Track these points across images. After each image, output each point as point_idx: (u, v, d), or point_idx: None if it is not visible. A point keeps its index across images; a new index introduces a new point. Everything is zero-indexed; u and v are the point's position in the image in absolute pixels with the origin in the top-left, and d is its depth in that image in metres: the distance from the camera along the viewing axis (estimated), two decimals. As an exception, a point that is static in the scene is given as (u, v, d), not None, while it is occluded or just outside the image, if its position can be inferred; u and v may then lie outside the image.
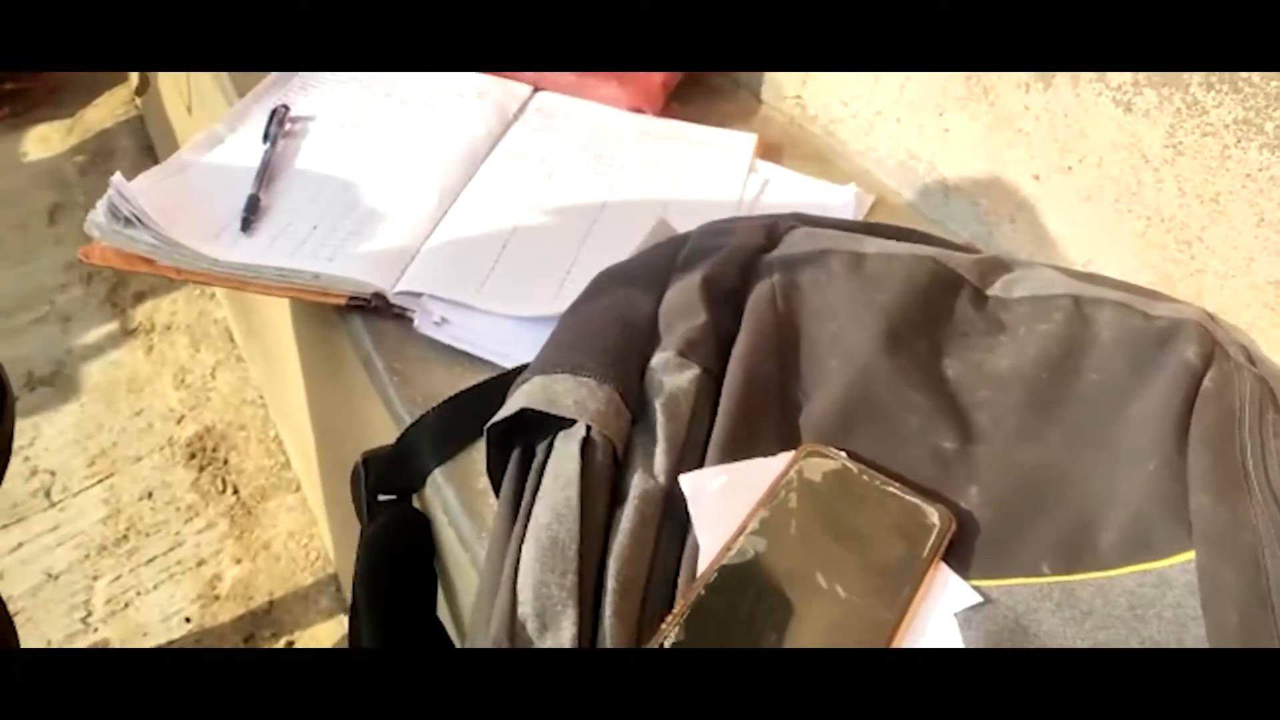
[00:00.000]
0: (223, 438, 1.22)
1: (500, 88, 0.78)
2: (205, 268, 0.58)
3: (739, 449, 0.44)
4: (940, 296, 0.52)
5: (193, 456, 1.20)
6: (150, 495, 1.15)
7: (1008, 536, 0.42)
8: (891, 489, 0.43)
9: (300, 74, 0.78)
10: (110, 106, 1.93)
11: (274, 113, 0.71)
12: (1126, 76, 0.56)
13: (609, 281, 0.51)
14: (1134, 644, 0.38)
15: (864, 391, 0.47)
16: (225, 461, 1.20)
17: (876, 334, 0.49)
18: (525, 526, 0.40)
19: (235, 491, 1.16)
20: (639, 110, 0.78)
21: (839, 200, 0.70)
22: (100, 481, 1.17)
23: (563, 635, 0.36)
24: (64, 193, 1.72)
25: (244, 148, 0.69)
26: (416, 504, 0.51)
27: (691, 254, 0.52)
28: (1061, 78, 0.59)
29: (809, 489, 0.43)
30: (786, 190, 0.72)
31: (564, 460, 0.41)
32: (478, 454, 0.49)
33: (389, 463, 0.49)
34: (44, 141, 1.88)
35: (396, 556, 0.49)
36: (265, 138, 0.69)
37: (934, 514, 0.42)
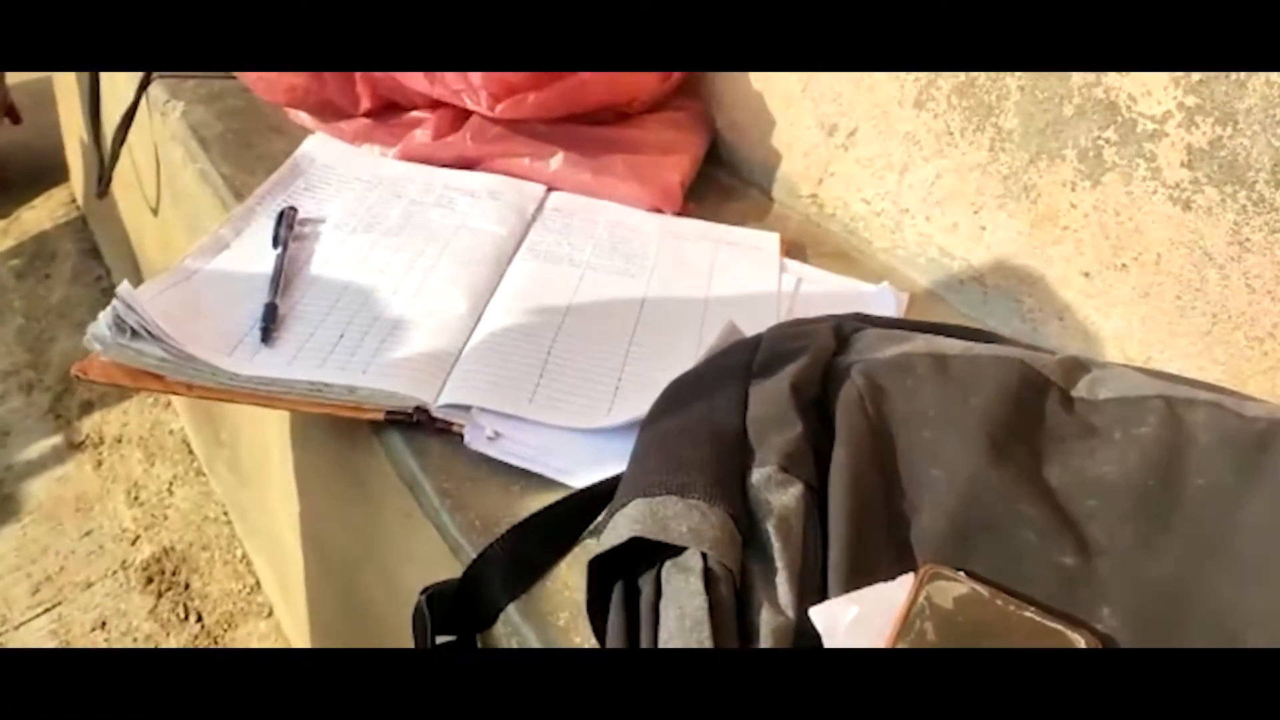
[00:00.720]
0: (183, 559, 1.12)
1: (513, 188, 0.75)
2: (225, 383, 0.53)
3: (857, 572, 0.40)
4: (1032, 400, 0.50)
5: (150, 581, 1.10)
6: (104, 625, 1.04)
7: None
8: (1028, 614, 0.40)
9: (304, 175, 0.74)
10: (49, 208, 1.85)
11: (281, 215, 0.67)
12: (1185, 174, 0.55)
13: (686, 391, 0.47)
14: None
15: (975, 505, 0.44)
16: (186, 586, 1.10)
17: (977, 441, 0.46)
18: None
19: (199, 619, 1.06)
20: (658, 210, 0.76)
21: (876, 296, 0.68)
22: (46, 611, 1.06)
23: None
24: (-1, 297, 1.63)
25: (251, 253, 0.64)
26: (479, 644, 0.45)
27: (768, 359, 0.49)
28: (1111, 175, 0.59)
29: (943, 618, 0.39)
30: (820, 287, 0.70)
31: (688, 598, 0.36)
32: (552, 585, 0.44)
33: (456, 601, 0.43)
34: (-24, 245, 1.78)
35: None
36: (275, 242, 0.64)
37: (1080, 640, 0.39)
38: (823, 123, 0.78)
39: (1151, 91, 0.56)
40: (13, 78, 1.98)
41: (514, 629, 0.43)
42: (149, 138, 0.95)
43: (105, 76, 1.05)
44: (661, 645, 0.35)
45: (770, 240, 0.74)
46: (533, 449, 0.50)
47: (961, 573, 0.41)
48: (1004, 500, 0.45)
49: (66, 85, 1.60)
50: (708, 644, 0.35)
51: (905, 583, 0.40)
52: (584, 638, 0.42)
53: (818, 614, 0.38)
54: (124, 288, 0.53)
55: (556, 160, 0.76)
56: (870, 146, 0.74)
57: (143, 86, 0.91)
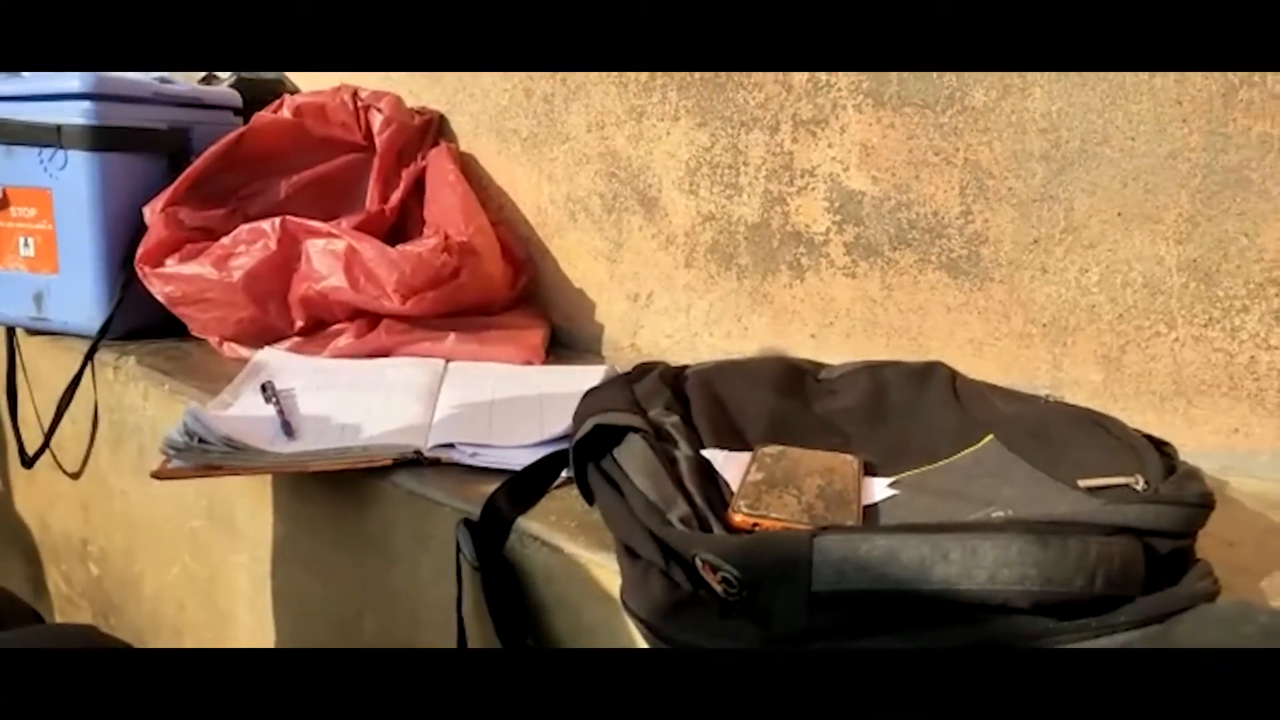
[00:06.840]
0: None
1: (423, 361, 1.03)
2: (271, 462, 0.75)
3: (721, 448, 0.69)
4: (796, 378, 0.83)
5: None
6: None
7: (892, 462, 0.70)
8: (821, 452, 0.70)
9: (264, 370, 0.99)
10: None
11: (264, 386, 0.91)
12: (847, 259, 0.94)
13: (596, 390, 0.77)
14: (983, 479, 0.66)
15: (777, 422, 0.75)
16: None
17: (769, 393, 0.78)
18: (629, 481, 0.61)
19: None
20: (529, 363, 1.06)
21: (690, 386, 1.01)
22: None
23: (681, 508, 0.57)
24: None
25: (249, 409, 0.87)
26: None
27: (639, 372, 0.80)
28: (809, 273, 0.97)
29: (775, 455, 0.68)
30: (652, 388, 1.02)
31: (631, 442, 0.64)
32: (543, 506, 0.69)
33: (482, 520, 0.67)
34: None
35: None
36: (266, 400, 0.88)
37: (851, 457, 0.69)
38: (628, 295, 1.14)
39: (817, 219, 0.96)
40: None
41: (524, 533, 0.67)
42: (89, 399, 1.14)
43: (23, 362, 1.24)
44: (632, 480, 0.61)
45: (607, 367, 1.06)
46: (501, 458, 0.76)
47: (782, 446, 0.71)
48: (793, 418, 0.76)
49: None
50: (652, 456, 0.62)
51: (749, 453, 0.70)
52: (570, 534, 0.66)
53: (707, 452, 0.66)
54: (195, 408, 0.76)
55: (450, 340, 1.06)
56: (663, 301, 1.10)
57: (89, 355, 1.12)
